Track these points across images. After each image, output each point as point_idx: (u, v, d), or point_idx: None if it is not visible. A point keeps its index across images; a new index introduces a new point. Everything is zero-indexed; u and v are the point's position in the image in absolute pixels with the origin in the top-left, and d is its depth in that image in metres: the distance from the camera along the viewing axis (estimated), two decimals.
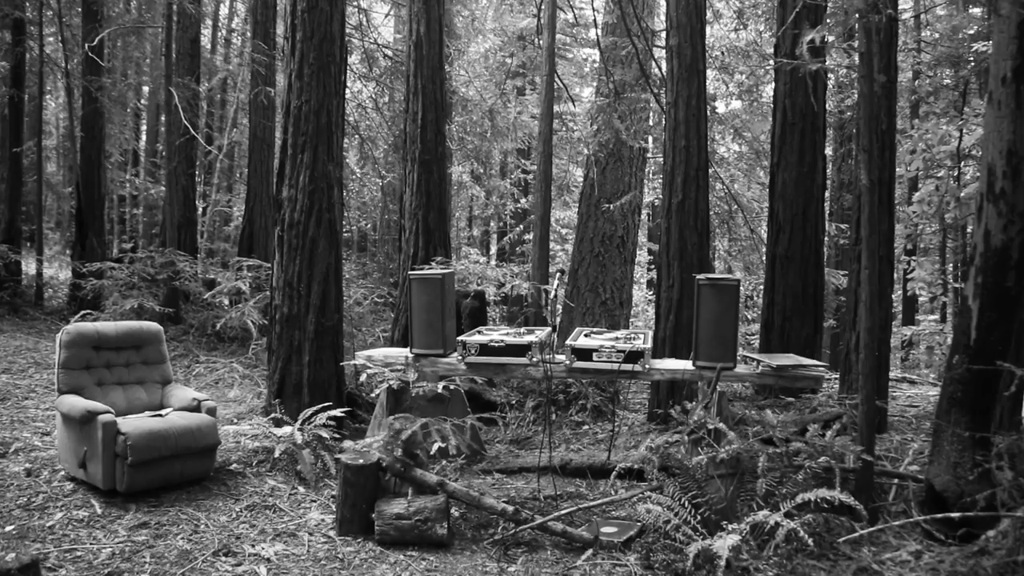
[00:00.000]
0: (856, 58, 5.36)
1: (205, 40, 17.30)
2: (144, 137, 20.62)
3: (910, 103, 12.20)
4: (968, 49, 10.16)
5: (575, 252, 11.88)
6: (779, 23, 7.76)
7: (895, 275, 10.14)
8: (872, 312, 4.28)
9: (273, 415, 5.77)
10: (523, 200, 16.89)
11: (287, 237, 6.03)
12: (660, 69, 10.03)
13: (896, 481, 4.54)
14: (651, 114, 12.23)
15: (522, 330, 5.26)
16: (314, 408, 5.39)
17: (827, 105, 8.94)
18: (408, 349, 5.05)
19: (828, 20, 7.23)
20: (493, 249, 19.45)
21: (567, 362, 4.68)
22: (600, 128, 10.98)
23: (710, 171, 8.64)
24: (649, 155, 13.36)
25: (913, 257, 13.95)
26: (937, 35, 11.60)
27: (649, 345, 4.72)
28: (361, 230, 18.96)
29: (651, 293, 16.73)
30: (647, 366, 4.62)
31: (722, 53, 11.10)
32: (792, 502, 3.67)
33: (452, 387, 5.06)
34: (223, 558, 3.82)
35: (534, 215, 9.14)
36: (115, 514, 4.26)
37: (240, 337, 9.52)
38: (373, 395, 6.33)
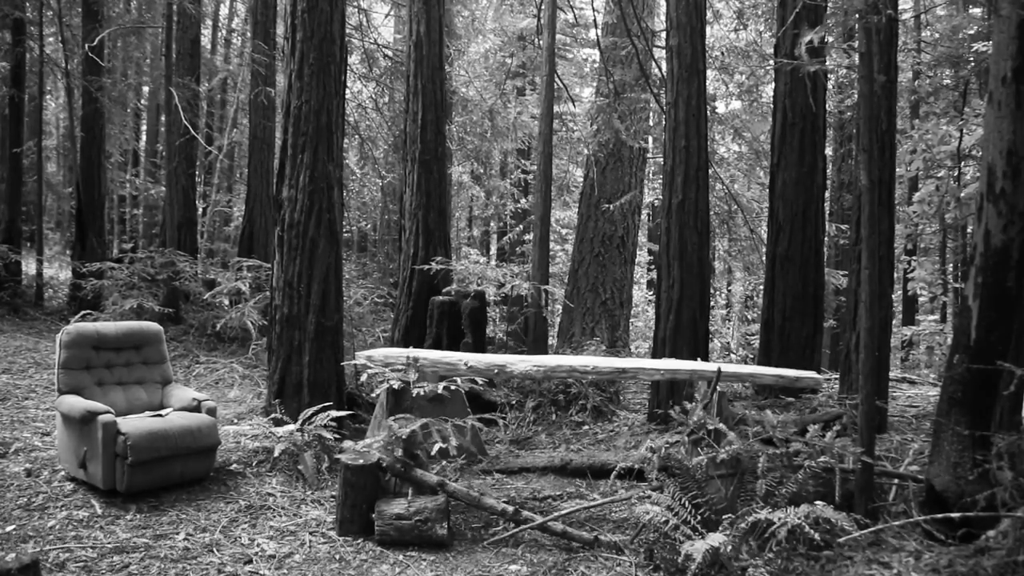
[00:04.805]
0: (856, 58, 5.37)
1: (205, 40, 17.29)
2: (144, 137, 20.62)
3: (910, 103, 12.20)
4: (968, 49, 10.15)
5: (575, 252, 11.88)
6: (779, 23, 7.76)
7: (895, 275, 10.14)
8: (872, 312, 4.28)
9: (273, 415, 5.76)
10: (523, 200, 16.87)
11: (287, 237, 6.02)
12: (660, 69, 10.02)
13: (896, 481, 4.54)
14: (651, 114, 12.22)
15: None
16: (314, 408, 5.38)
17: (827, 105, 8.93)
18: (408, 349, 5.05)
19: (828, 20, 7.23)
20: (493, 249, 19.43)
21: None
22: (600, 128, 10.98)
23: (710, 171, 8.64)
24: (649, 155, 13.36)
25: (913, 257, 13.95)
26: (937, 35, 11.59)
27: None
28: (361, 230, 18.95)
29: (651, 293, 16.72)
30: None
31: (722, 53, 11.09)
32: (795, 509, 3.65)
33: (452, 387, 5.06)
34: (223, 558, 3.82)
35: (534, 215, 9.14)
36: (115, 514, 4.26)
37: (240, 337, 9.52)
38: (373, 395, 6.33)
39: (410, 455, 4.49)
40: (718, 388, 5.09)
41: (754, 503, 3.87)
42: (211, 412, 4.98)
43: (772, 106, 8.28)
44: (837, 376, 7.50)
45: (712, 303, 12.84)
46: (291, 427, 5.29)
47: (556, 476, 5.36)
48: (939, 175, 11.26)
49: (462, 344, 7.53)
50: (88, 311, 9.02)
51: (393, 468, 4.38)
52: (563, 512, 4.40)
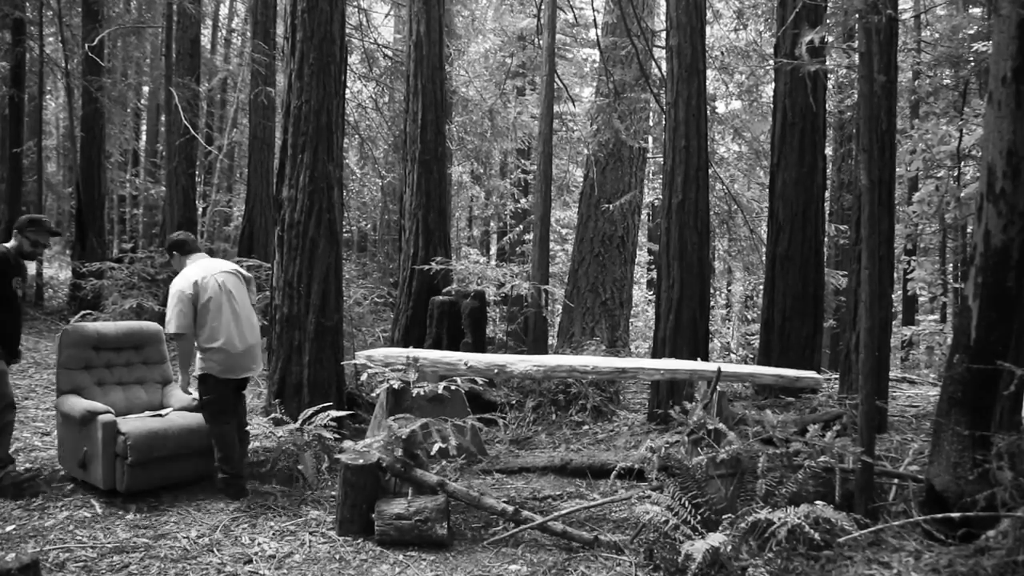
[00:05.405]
0: (856, 58, 5.37)
1: (205, 40, 17.30)
2: (144, 137, 20.64)
3: (910, 103, 12.20)
4: (968, 49, 10.15)
5: (575, 252, 11.88)
6: (779, 23, 7.76)
7: (895, 275, 10.15)
8: (872, 312, 4.28)
9: (273, 415, 5.76)
10: (523, 200, 16.87)
11: (287, 237, 6.02)
12: (660, 69, 10.02)
13: (896, 481, 4.54)
14: (651, 114, 12.23)
15: None
16: (314, 408, 5.38)
17: (827, 105, 8.94)
18: (408, 349, 5.05)
19: (828, 20, 7.23)
20: (493, 249, 19.43)
21: None
22: (600, 128, 10.98)
23: (710, 171, 8.64)
24: (649, 155, 13.36)
25: (913, 257, 13.96)
26: (937, 35, 11.60)
27: None
28: (361, 230, 18.96)
29: (651, 293, 16.71)
30: None
31: (722, 53, 11.10)
32: (795, 509, 3.65)
33: (452, 387, 5.06)
34: (223, 558, 3.82)
35: (534, 215, 9.14)
36: (115, 514, 4.26)
37: None
38: (373, 395, 6.33)
39: (410, 455, 4.49)
40: (718, 388, 5.09)
41: (754, 503, 3.86)
42: None
43: (772, 106, 8.28)
44: (837, 376, 7.50)
45: (712, 303, 12.83)
46: (291, 427, 5.29)
47: (556, 476, 5.36)
48: (939, 175, 11.27)
49: (462, 344, 7.53)
50: (88, 311, 9.02)
51: (393, 468, 4.38)
52: (563, 512, 4.40)
